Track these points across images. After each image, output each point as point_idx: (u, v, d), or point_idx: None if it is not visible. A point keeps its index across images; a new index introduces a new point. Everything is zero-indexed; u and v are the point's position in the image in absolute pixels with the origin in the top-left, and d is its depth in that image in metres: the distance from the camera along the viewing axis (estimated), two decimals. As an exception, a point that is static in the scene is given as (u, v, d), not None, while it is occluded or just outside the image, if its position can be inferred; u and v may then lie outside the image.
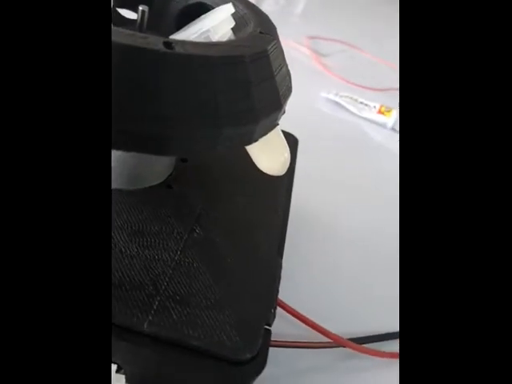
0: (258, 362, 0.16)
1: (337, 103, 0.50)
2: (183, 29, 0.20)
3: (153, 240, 0.19)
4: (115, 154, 0.19)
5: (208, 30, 0.18)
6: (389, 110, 0.48)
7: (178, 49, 0.14)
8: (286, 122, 0.22)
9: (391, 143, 0.46)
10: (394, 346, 0.23)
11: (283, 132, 0.22)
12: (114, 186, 0.20)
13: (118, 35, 0.14)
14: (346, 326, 0.24)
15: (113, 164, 0.20)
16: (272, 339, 0.17)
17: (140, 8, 0.19)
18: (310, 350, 0.22)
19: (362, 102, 0.50)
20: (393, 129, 0.48)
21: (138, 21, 0.20)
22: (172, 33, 0.20)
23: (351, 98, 0.50)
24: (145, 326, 0.16)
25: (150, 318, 0.16)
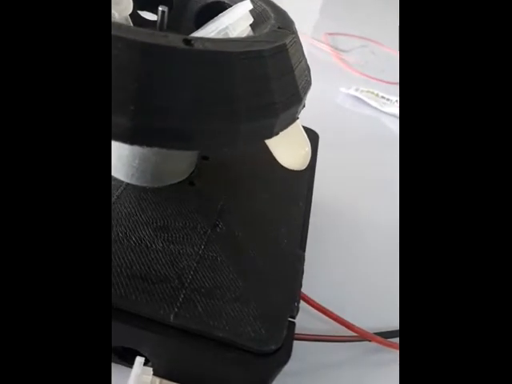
0: (283, 354, 0.16)
1: (358, 98, 0.49)
2: (202, 27, 0.20)
3: (177, 235, 0.19)
4: (139, 152, 0.20)
5: (226, 27, 0.19)
6: (411, 104, 0.48)
7: (197, 46, 0.15)
8: (306, 117, 0.22)
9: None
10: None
11: (304, 128, 0.22)
12: (138, 183, 0.21)
13: (139, 34, 0.14)
14: (370, 320, 0.23)
15: (137, 162, 0.20)
16: (296, 332, 0.17)
17: (160, 9, 0.20)
18: (334, 343, 0.22)
19: (383, 97, 0.49)
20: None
21: (158, 21, 0.20)
22: (192, 32, 0.20)
23: (372, 92, 0.49)
24: (171, 318, 0.16)
25: (176, 310, 0.16)
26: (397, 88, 0.52)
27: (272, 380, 0.17)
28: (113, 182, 0.21)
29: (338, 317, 0.21)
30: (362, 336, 0.22)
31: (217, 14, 0.20)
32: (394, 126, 0.47)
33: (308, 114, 0.22)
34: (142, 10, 0.23)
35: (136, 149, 0.20)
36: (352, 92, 0.49)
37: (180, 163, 0.22)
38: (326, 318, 0.21)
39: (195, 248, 0.19)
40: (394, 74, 0.55)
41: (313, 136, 0.28)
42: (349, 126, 0.44)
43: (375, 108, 0.48)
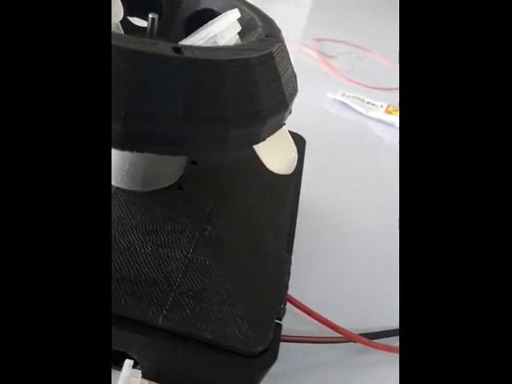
0: (269, 355, 0.17)
1: (344, 104, 0.50)
2: (191, 35, 0.20)
3: (166, 239, 0.20)
4: (129, 157, 0.20)
5: (215, 35, 0.19)
6: (397, 110, 0.49)
7: (186, 53, 0.15)
8: (293, 123, 0.23)
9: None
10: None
11: (291, 133, 0.22)
12: (128, 187, 0.21)
13: (130, 42, 0.15)
14: (356, 322, 0.24)
15: (126, 167, 0.21)
16: (282, 334, 0.18)
17: (150, 16, 0.20)
18: (319, 344, 0.22)
19: (369, 102, 0.50)
20: (401, 128, 0.48)
21: (149, 28, 0.20)
22: (181, 39, 0.21)
23: (358, 98, 0.50)
24: (160, 321, 0.16)
25: (165, 312, 0.17)
26: (382, 93, 0.53)
27: (259, 381, 0.18)
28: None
29: (324, 318, 0.22)
30: (347, 337, 0.22)
31: (206, 22, 0.21)
32: (379, 130, 0.48)
33: (295, 119, 0.23)
34: (132, 16, 0.23)
35: (126, 153, 0.20)
36: (338, 97, 0.50)
37: (169, 168, 0.22)
38: (312, 319, 0.22)
39: (184, 251, 0.19)
40: (379, 79, 0.56)
41: (300, 141, 0.29)
42: (335, 131, 0.45)
43: (361, 113, 0.49)
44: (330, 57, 0.61)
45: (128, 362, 0.17)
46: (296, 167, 0.22)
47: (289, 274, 0.20)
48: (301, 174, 0.27)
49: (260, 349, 0.17)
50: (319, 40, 0.65)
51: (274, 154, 0.21)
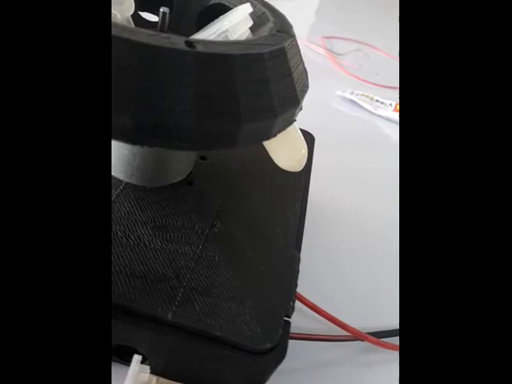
0: (278, 352, 0.17)
1: (352, 101, 0.50)
2: (203, 29, 0.20)
3: (175, 234, 0.19)
4: (139, 152, 0.20)
5: (227, 30, 0.19)
6: (405, 108, 0.48)
7: (199, 47, 0.15)
8: (302, 120, 0.23)
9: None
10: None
11: (300, 130, 0.22)
12: (137, 183, 0.21)
13: (143, 36, 0.14)
14: (364, 320, 0.24)
15: (136, 162, 0.20)
16: (290, 332, 0.18)
17: (161, 10, 0.20)
18: (327, 343, 0.22)
19: (377, 100, 0.50)
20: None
21: (160, 22, 0.20)
22: (192, 33, 0.21)
23: (367, 96, 0.50)
24: (169, 317, 0.16)
25: (174, 308, 0.17)
26: (390, 92, 0.53)
27: (267, 378, 0.17)
28: (112, 181, 0.21)
29: (332, 316, 0.22)
30: (355, 335, 0.22)
31: (217, 16, 0.21)
32: (388, 129, 0.47)
33: (304, 116, 0.23)
34: (143, 10, 0.23)
35: (136, 148, 0.20)
36: (347, 95, 0.50)
37: (179, 163, 0.22)
38: (321, 317, 0.22)
39: (193, 247, 0.19)
40: (388, 77, 0.55)
41: (309, 138, 0.29)
42: (344, 129, 0.45)
43: (369, 111, 0.49)
44: (339, 54, 0.61)
45: (136, 358, 0.17)
46: (305, 164, 0.22)
47: (298, 271, 0.20)
48: (310, 171, 0.27)
49: (268, 346, 0.16)
50: (327, 38, 0.64)
51: (284, 150, 0.21)
